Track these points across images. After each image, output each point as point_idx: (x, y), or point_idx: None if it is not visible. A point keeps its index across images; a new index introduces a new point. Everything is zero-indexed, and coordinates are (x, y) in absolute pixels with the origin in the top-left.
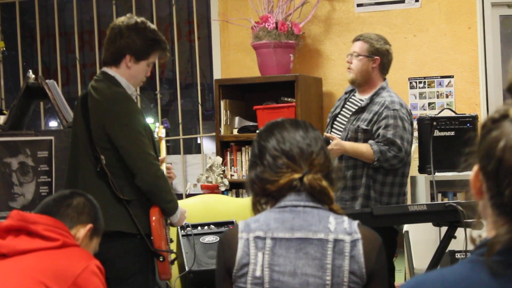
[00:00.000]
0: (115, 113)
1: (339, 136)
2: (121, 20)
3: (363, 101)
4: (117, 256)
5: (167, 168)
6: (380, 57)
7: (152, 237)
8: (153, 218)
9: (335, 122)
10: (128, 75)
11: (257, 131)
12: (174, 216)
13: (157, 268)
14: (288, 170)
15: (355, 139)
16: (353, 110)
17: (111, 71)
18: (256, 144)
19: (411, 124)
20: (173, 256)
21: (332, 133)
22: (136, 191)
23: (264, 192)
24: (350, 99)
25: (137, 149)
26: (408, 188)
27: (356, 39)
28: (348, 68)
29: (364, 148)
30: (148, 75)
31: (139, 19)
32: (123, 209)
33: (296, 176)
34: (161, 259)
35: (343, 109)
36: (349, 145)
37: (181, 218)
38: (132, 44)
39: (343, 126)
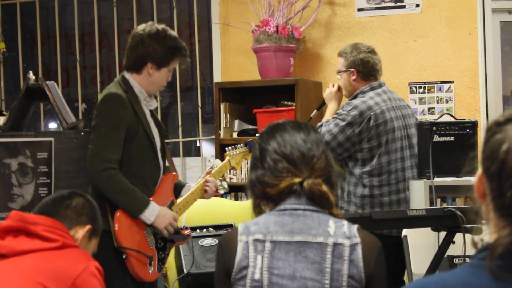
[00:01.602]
0: (97, 112)
1: None
2: (142, 28)
3: None
4: (93, 253)
5: (206, 181)
6: (355, 68)
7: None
8: (117, 214)
9: None
10: (149, 82)
11: (259, 133)
12: (144, 218)
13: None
14: (288, 174)
15: None
16: None
17: (128, 75)
18: (257, 146)
19: (367, 128)
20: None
21: None
22: None
23: (264, 195)
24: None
25: (93, 148)
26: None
27: (338, 55)
28: None
29: (327, 117)
30: (169, 80)
31: (160, 27)
32: (102, 205)
33: (297, 180)
34: (123, 257)
35: None
36: (330, 105)
37: (159, 220)
38: (153, 52)
39: None
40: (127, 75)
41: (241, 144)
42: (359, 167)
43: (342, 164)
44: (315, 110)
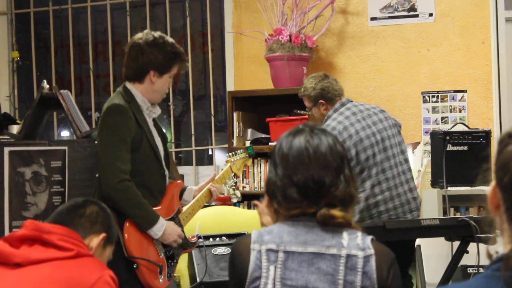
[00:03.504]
0: (102, 123)
1: None
2: (139, 37)
3: None
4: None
5: (212, 186)
6: (321, 99)
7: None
8: (126, 224)
9: None
10: (152, 90)
11: (277, 143)
12: (152, 233)
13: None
14: (302, 204)
15: None
16: None
17: (130, 85)
18: (271, 161)
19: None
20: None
21: None
22: None
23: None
24: None
25: (103, 158)
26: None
27: (300, 96)
28: None
29: None
30: (170, 86)
31: (156, 34)
32: None
33: (310, 210)
34: (134, 266)
35: None
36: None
37: (165, 237)
38: (154, 59)
39: None
40: (128, 85)
41: (241, 150)
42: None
43: None
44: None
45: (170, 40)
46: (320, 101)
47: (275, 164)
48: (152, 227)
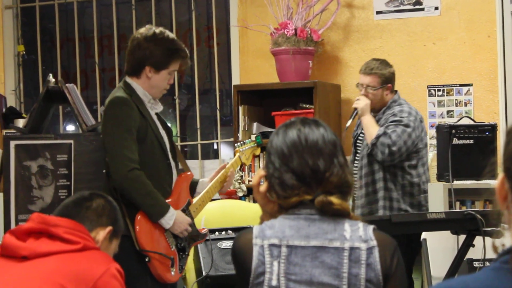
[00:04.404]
0: (106, 117)
1: (359, 157)
2: (140, 32)
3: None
4: (113, 258)
5: (225, 177)
6: (390, 83)
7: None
8: (138, 217)
9: (358, 141)
10: (149, 85)
11: (271, 136)
12: (164, 223)
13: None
14: (299, 191)
15: (365, 155)
16: None
17: (129, 79)
18: (267, 154)
19: (421, 131)
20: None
21: (356, 154)
22: None
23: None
24: None
25: (111, 149)
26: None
27: (367, 73)
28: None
29: (374, 127)
30: (171, 83)
31: (158, 30)
32: (119, 209)
33: (307, 197)
34: (146, 260)
35: (363, 129)
36: (368, 116)
37: (176, 226)
38: (150, 55)
39: (362, 145)
40: (128, 79)
41: (249, 140)
42: (418, 168)
43: (393, 168)
44: (350, 120)
45: (171, 36)
46: (389, 84)
47: (271, 156)
48: (163, 217)
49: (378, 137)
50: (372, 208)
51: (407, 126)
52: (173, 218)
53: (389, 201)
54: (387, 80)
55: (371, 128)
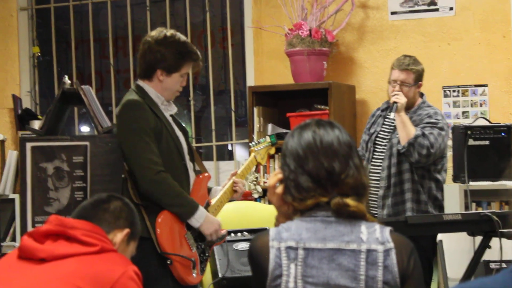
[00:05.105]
0: (121, 120)
1: (382, 156)
2: (151, 35)
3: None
4: (134, 261)
5: (234, 182)
6: (421, 80)
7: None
8: (158, 220)
9: (378, 140)
10: (161, 88)
11: (286, 138)
12: (194, 221)
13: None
14: (315, 193)
15: (395, 154)
16: (392, 127)
17: (142, 82)
18: (282, 156)
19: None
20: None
21: (374, 152)
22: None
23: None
24: (386, 118)
25: (133, 154)
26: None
27: (403, 69)
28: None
29: (411, 126)
30: (184, 85)
31: (169, 32)
32: (139, 212)
33: (323, 200)
34: (168, 262)
35: (383, 127)
36: (404, 114)
37: (207, 226)
38: (161, 58)
39: (386, 143)
40: (140, 82)
41: (263, 139)
42: (442, 172)
43: (422, 170)
44: (393, 113)
45: (182, 38)
46: (420, 82)
47: (286, 158)
48: (193, 215)
49: (416, 137)
50: (399, 209)
51: (442, 129)
52: (203, 216)
53: (416, 203)
54: (420, 77)
55: (409, 127)
